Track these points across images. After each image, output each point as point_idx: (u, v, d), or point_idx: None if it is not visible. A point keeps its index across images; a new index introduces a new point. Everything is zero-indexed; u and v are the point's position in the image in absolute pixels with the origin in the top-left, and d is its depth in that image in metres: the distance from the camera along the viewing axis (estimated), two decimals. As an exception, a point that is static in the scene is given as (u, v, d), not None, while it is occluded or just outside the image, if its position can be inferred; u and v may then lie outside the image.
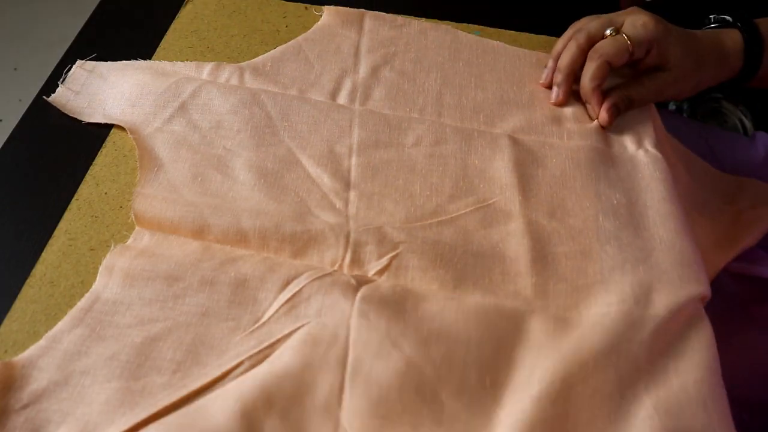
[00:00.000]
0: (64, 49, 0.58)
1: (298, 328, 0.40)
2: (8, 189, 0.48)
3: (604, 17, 0.54)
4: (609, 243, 0.46)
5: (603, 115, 0.52)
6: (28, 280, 0.42)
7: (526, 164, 0.50)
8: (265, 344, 0.39)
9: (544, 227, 0.46)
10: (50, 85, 0.54)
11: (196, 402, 0.37)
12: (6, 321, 0.40)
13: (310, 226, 0.45)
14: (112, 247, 0.43)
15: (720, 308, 0.44)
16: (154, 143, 0.49)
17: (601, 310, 0.42)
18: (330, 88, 0.55)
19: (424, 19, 0.62)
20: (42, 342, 0.39)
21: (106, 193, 0.47)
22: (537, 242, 0.45)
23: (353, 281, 0.42)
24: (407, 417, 0.36)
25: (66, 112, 0.52)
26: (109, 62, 0.56)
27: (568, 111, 0.55)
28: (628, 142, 0.52)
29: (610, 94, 0.52)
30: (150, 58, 0.57)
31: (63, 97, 0.53)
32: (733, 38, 0.55)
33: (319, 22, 0.61)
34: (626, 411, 0.38)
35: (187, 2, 0.63)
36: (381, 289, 0.42)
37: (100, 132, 0.51)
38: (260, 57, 0.57)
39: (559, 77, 0.54)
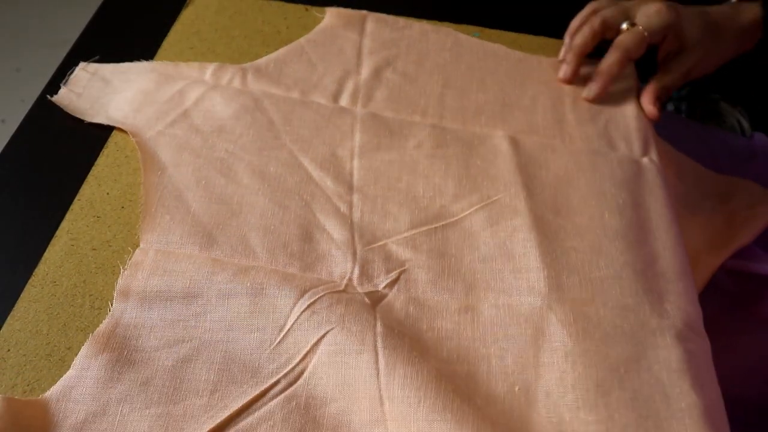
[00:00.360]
0: (66, 51, 0.59)
1: (324, 335, 0.40)
2: (11, 189, 0.49)
3: (620, 6, 0.56)
4: (617, 240, 0.46)
5: (651, 108, 0.55)
6: (30, 280, 0.43)
7: (528, 165, 0.50)
8: (296, 359, 0.39)
9: (550, 223, 0.47)
10: (52, 86, 0.55)
11: (240, 423, 0.37)
12: (8, 320, 0.41)
13: (317, 246, 0.45)
14: (122, 270, 0.43)
15: (717, 307, 0.44)
16: (157, 146, 0.50)
17: (619, 313, 0.42)
18: (332, 90, 0.55)
19: (424, 21, 0.63)
20: (71, 372, 0.38)
21: (108, 194, 0.48)
22: (545, 237, 0.45)
23: (367, 300, 0.42)
24: (450, 415, 0.36)
25: (69, 112, 0.53)
26: (111, 64, 0.56)
27: (571, 116, 0.55)
28: (634, 148, 0.53)
29: (648, 89, 0.55)
30: (152, 59, 0.57)
31: (65, 98, 0.53)
32: (752, 11, 0.57)
33: (321, 24, 0.61)
34: (671, 407, 0.38)
35: (188, 4, 0.63)
36: (395, 312, 0.42)
37: (102, 132, 0.52)
38: (263, 58, 0.58)
39: (569, 56, 0.57)
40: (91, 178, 0.49)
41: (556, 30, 0.63)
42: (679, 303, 0.43)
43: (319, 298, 0.41)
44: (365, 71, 0.57)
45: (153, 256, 0.43)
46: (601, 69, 0.55)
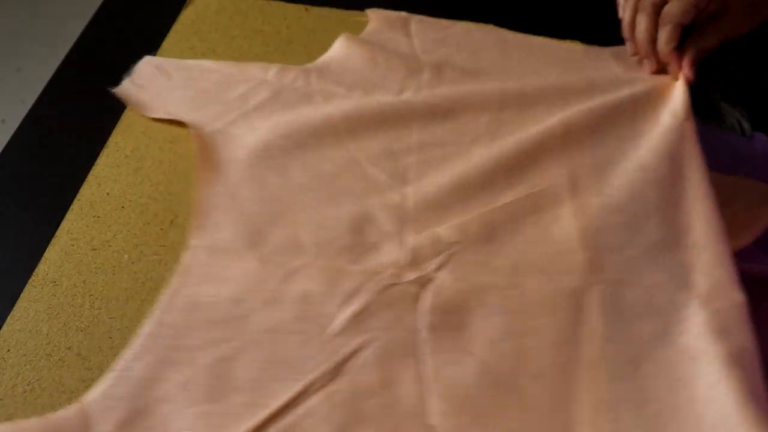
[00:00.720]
0: (66, 51, 0.59)
1: (368, 341, 0.41)
2: (11, 189, 0.49)
3: None
4: (655, 215, 0.47)
5: (688, 72, 0.54)
6: (30, 280, 0.43)
7: (578, 151, 0.51)
8: (339, 358, 0.40)
9: (592, 205, 0.48)
10: (52, 86, 0.55)
11: (282, 421, 0.37)
12: (8, 320, 0.41)
13: (367, 238, 0.46)
14: (173, 277, 0.43)
15: None
16: (215, 143, 0.50)
17: (650, 290, 0.44)
18: (395, 89, 0.56)
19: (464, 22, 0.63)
20: (113, 372, 0.38)
21: (107, 194, 0.48)
22: (586, 222, 0.47)
23: (414, 288, 0.43)
24: (493, 409, 0.38)
25: (129, 104, 0.53)
26: (175, 60, 0.57)
27: (626, 92, 0.55)
28: (678, 114, 0.53)
29: (685, 51, 0.55)
30: (151, 60, 0.58)
31: (127, 90, 0.54)
32: None
33: (368, 27, 0.62)
34: (700, 365, 0.40)
35: (188, 4, 0.64)
36: (443, 294, 0.43)
37: (102, 132, 0.52)
38: (323, 58, 0.58)
39: (643, 50, 0.56)
40: (91, 178, 0.49)
41: (555, 29, 0.63)
42: (709, 269, 0.45)
43: (364, 303, 0.42)
44: (426, 70, 0.58)
45: (202, 259, 0.44)
46: (661, 50, 0.55)
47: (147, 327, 0.40)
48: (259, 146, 0.50)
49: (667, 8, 0.54)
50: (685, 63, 0.54)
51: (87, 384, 0.38)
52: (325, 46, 0.61)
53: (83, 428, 0.36)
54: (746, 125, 0.76)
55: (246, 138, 0.51)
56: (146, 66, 0.56)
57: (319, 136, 0.51)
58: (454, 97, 0.55)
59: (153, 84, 0.55)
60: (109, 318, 0.41)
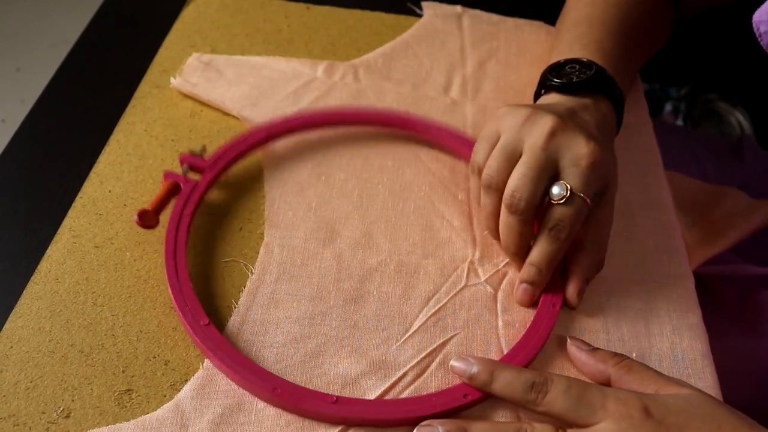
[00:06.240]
0: (67, 50, 0.59)
1: (450, 338, 0.42)
2: (13, 187, 0.49)
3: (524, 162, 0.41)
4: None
5: (574, 299, 0.43)
6: (32, 277, 0.43)
7: (628, 150, 0.53)
8: (423, 354, 0.41)
9: (633, 216, 0.51)
10: (52, 86, 0.55)
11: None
12: (11, 317, 0.41)
13: (437, 234, 0.47)
14: (251, 275, 0.43)
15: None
16: (276, 141, 0.51)
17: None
18: (442, 83, 0.57)
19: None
20: (200, 372, 0.38)
21: (110, 191, 0.48)
22: (626, 223, 0.50)
23: (490, 289, 0.44)
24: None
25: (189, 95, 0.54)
26: (224, 56, 0.57)
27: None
28: None
29: (571, 278, 0.43)
30: (152, 58, 0.58)
31: (181, 87, 0.54)
32: (607, 107, 0.47)
33: (421, 20, 0.63)
34: None
35: (189, 2, 0.64)
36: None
37: (103, 131, 0.52)
38: (370, 54, 0.59)
39: (510, 252, 0.44)
40: (93, 176, 0.49)
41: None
42: None
43: (443, 304, 0.43)
44: (470, 64, 0.59)
45: (277, 256, 0.44)
46: (569, 299, 0.43)
47: (230, 326, 0.41)
48: (320, 143, 0.51)
49: (560, 225, 0.41)
50: (574, 291, 0.43)
51: (90, 381, 0.38)
52: (326, 45, 0.61)
53: (179, 427, 0.36)
54: (746, 123, 0.76)
55: (305, 135, 0.52)
56: (195, 63, 0.56)
57: (377, 134, 0.53)
58: (501, 92, 0.57)
59: (205, 81, 0.55)
60: (112, 315, 0.41)
